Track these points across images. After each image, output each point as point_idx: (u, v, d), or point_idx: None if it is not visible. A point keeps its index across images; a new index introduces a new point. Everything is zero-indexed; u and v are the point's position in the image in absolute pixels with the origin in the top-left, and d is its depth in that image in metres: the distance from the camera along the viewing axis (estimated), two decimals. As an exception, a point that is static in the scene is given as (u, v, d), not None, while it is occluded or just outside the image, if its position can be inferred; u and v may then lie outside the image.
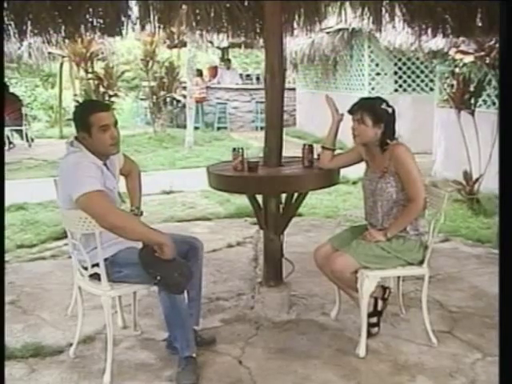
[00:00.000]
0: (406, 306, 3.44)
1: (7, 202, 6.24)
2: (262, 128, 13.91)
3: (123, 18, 4.92)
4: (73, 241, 2.72)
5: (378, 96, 3.21)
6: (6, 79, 15.90)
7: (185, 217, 5.94)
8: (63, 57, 9.85)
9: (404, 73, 9.80)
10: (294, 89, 13.33)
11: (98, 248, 2.58)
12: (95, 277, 2.71)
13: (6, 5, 4.13)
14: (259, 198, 3.40)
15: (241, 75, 16.65)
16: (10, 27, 4.22)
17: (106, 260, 2.67)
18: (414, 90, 9.75)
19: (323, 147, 3.22)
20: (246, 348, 3.04)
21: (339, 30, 9.04)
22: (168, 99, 12.54)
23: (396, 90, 9.84)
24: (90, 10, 4.58)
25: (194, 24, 5.30)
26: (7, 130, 10.57)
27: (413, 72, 9.77)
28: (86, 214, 2.51)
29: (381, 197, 2.98)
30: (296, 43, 10.43)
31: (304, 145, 3.34)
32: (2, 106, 6.24)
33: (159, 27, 5.15)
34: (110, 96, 8.88)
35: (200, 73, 13.72)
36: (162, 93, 11.79)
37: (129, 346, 3.09)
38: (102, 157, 2.71)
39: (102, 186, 2.56)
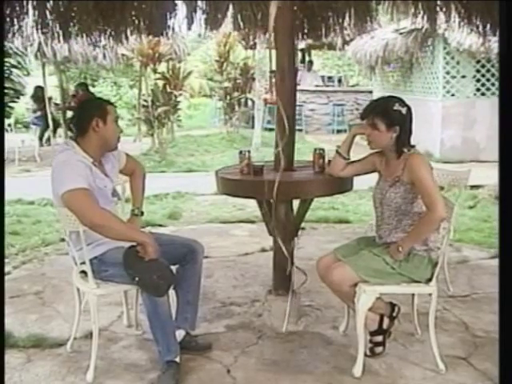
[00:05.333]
0: (426, 326, 3.18)
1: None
2: (338, 131, 13.66)
3: (169, 19, 5.01)
4: (66, 238, 2.76)
5: (391, 95, 3.00)
6: (86, 79, 16.79)
7: (229, 218, 5.92)
8: (132, 58, 10.19)
9: (483, 75, 9.20)
10: (371, 91, 12.96)
11: (83, 246, 2.59)
12: (86, 274, 2.74)
13: (50, 7, 4.32)
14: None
15: (322, 77, 16.45)
16: (54, 28, 4.39)
17: (95, 258, 2.70)
18: (493, 93, 9.10)
19: (338, 152, 3.04)
20: (240, 357, 2.94)
21: (412, 30, 8.64)
22: (243, 100, 12.62)
23: (474, 94, 9.26)
24: (133, 11, 4.68)
25: (240, 24, 5.29)
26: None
27: (493, 75, 9.12)
28: (70, 211, 2.54)
29: (388, 206, 2.79)
30: (370, 45, 10.12)
31: (315, 149, 3.18)
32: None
33: (205, 28, 5.19)
34: (176, 96, 9.07)
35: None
36: (236, 94, 11.88)
37: (126, 344, 3.09)
38: (95, 155, 2.73)
39: (88, 185, 2.57)
